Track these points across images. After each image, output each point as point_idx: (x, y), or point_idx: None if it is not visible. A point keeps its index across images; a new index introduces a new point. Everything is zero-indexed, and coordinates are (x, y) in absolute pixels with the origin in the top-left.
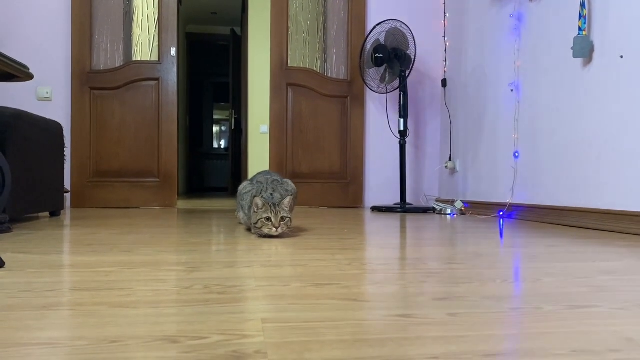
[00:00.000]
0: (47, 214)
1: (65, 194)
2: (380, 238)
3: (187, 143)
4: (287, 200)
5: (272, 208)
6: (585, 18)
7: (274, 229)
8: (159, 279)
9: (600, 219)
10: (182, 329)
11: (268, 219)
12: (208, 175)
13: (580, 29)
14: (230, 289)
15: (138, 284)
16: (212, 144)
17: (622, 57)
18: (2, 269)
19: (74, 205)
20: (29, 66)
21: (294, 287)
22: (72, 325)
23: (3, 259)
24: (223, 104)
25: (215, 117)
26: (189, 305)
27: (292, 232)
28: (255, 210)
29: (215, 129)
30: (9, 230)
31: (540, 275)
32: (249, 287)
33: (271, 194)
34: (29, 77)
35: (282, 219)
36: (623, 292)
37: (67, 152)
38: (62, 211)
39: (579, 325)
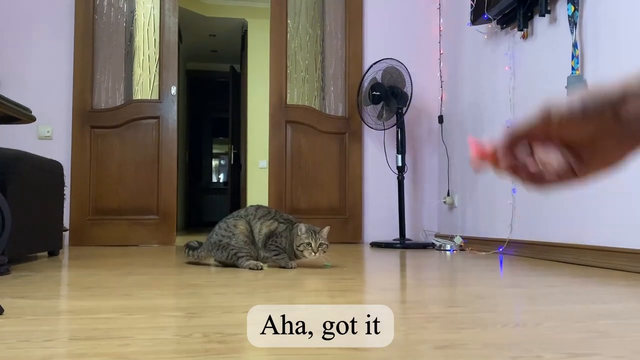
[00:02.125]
0: (45, 253)
1: (63, 232)
2: (381, 278)
3: (186, 177)
4: (325, 230)
5: (313, 235)
6: (577, 58)
7: (313, 253)
8: (158, 326)
9: (600, 256)
10: None
11: (309, 243)
12: (206, 209)
13: (573, 68)
14: (229, 337)
15: (138, 332)
16: (211, 178)
17: None
18: (1, 316)
19: (72, 243)
20: (30, 104)
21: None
22: None
23: (2, 305)
24: (222, 138)
25: (214, 150)
26: (189, 356)
27: (289, 271)
28: (299, 234)
29: (215, 162)
30: (7, 272)
31: (540, 318)
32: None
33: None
34: (31, 119)
35: (320, 245)
36: (622, 337)
37: (67, 190)
38: (60, 250)
39: None
